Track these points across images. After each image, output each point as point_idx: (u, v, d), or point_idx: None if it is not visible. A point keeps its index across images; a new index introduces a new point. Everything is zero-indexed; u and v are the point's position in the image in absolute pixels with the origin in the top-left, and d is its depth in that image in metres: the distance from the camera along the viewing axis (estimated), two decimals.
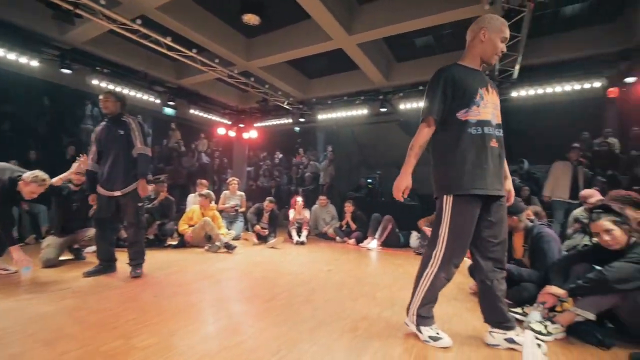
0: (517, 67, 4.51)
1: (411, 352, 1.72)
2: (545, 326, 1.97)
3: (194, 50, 5.27)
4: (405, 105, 6.59)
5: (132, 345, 1.67)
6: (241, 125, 9.36)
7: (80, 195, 3.53)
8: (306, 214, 6.00)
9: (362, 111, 7.20)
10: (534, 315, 2.08)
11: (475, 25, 1.83)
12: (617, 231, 1.91)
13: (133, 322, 1.97)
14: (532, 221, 2.73)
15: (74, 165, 3.43)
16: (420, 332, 1.85)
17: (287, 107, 7.82)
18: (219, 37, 5.35)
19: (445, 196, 1.77)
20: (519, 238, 2.68)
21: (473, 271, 3.01)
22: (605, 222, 1.94)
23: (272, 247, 5.02)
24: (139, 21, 4.42)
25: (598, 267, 1.94)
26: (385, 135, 8.35)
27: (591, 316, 1.89)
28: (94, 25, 4.68)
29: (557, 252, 2.46)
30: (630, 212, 2.31)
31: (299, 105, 7.93)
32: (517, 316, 2.22)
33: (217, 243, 4.43)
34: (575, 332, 1.96)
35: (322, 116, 7.84)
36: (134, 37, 4.66)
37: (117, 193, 2.98)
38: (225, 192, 6.19)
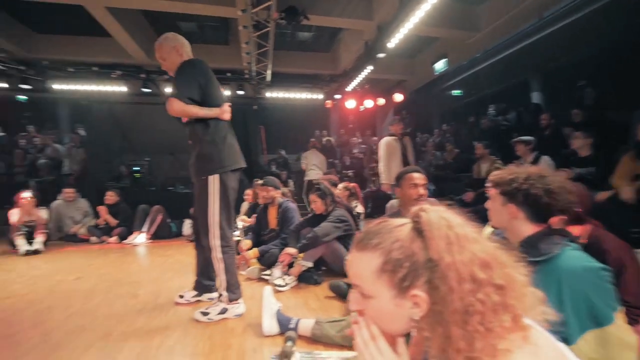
0: (269, 72, 5.36)
1: (160, 346, 1.74)
2: (284, 279, 2.59)
3: None
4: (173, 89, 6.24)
5: None
6: None
7: None
8: (41, 213, 4.55)
9: (120, 87, 6.17)
10: (275, 272, 2.67)
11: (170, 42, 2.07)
12: (318, 202, 2.77)
13: None
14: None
15: None
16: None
17: None
18: None
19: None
20: (273, 211, 3.28)
21: None
22: (312, 195, 2.78)
23: None
24: None
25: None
26: (154, 118, 7.57)
27: (309, 264, 2.65)
28: None
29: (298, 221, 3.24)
30: (334, 189, 3.39)
31: (19, 67, 5.72)
32: (266, 277, 2.78)
33: None
34: (302, 279, 2.69)
35: (60, 86, 6.05)
36: None
37: None
38: None
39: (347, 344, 1.54)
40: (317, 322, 1.66)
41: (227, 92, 6.07)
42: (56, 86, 6.04)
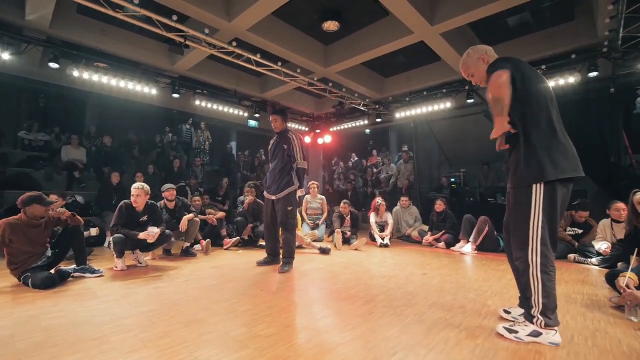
0: None
1: None
2: None
3: (279, 63, 5.56)
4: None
5: (255, 334, 1.80)
6: (317, 131, 9.59)
7: (172, 211, 4.38)
8: (388, 216, 5.79)
9: (444, 104, 6.72)
10: None
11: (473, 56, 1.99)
12: None
13: (249, 312, 2.14)
14: None
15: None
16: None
17: (363, 108, 7.75)
18: (300, 48, 5.58)
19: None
20: None
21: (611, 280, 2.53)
22: None
23: (355, 249, 4.96)
24: (234, 43, 4.88)
25: None
26: (469, 129, 7.63)
27: None
28: (198, 52, 5.44)
29: None
30: None
31: (374, 106, 7.79)
32: None
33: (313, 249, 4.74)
34: None
35: (400, 114, 7.54)
36: (229, 58, 5.15)
37: (273, 197, 3.50)
38: (306, 196, 6.37)
39: None
40: None
41: (570, 79, 4.87)
42: (398, 114, 7.59)
